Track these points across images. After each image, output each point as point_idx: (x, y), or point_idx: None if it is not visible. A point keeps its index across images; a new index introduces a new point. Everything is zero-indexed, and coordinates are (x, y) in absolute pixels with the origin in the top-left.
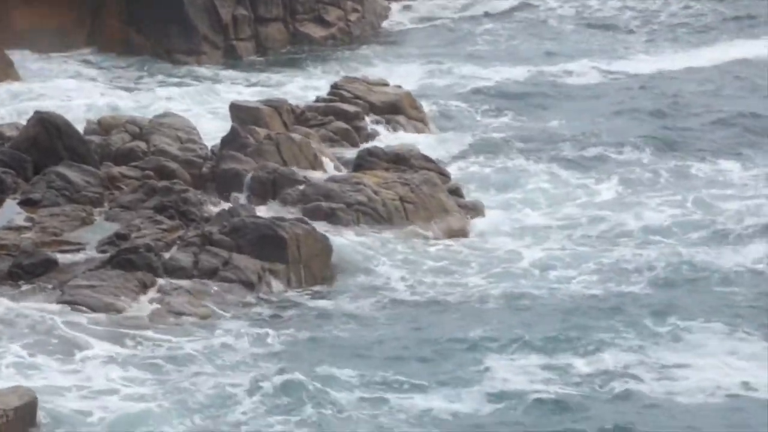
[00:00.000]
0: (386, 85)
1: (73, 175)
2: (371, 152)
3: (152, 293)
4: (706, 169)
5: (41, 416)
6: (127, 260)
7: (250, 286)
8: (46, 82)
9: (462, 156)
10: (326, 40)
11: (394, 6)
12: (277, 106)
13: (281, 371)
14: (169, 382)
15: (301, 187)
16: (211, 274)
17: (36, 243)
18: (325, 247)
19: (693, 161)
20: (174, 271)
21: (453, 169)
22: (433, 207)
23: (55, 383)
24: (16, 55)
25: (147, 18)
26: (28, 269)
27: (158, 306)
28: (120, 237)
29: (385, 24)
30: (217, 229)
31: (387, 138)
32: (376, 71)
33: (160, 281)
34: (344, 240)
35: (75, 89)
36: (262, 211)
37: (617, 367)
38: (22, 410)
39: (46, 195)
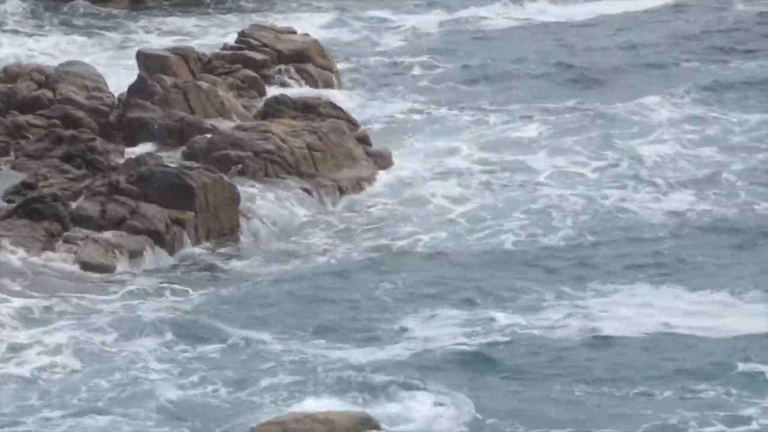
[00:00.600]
0: (294, 33)
1: None
2: (279, 100)
3: (59, 243)
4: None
5: None
6: (34, 209)
7: (157, 235)
8: None
9: (371, 103)
10: None
11: None
12: (184, 54)
13: (193, 324)
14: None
15: (209, 136)
16: (119, 223)
17: None
18: (233, 195)
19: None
20: (81, 220)
21: (361, 117)
22: (341, 155)
23: None
24: None
25: None
26: None
27: (66, 254)
28: (26, 186)
29: None
30: (125, 178)
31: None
32: (283, 19)
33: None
34: (253, 189)
35: None
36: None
37: (541, 318)
38: None
39: None
